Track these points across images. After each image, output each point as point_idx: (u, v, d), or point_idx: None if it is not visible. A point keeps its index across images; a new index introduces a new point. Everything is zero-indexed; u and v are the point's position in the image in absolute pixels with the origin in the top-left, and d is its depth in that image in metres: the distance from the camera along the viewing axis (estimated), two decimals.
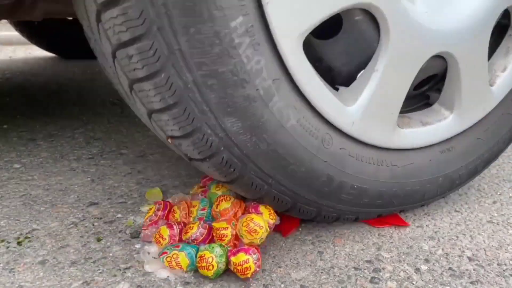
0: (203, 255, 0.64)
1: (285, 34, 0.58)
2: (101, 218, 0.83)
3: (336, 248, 0.74)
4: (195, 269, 0.66)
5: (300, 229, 0.80)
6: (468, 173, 0.89)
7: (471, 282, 0.66)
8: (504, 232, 0.81)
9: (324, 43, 0.71)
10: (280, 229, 0.78)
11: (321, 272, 0.67)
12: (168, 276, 0.65)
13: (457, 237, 0.79)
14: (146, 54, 0.53)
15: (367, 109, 0.70)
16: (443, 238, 0.78)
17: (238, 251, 0.64)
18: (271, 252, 0.73)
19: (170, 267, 0.65)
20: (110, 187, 0.97)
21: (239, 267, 0.63)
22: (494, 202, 0.93)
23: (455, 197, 0.95)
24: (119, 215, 0.84)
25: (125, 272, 0.66)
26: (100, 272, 0.66)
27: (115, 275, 0.66)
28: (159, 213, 0.76)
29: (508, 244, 0.76)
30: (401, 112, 0.78)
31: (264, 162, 0.63)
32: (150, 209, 0.79)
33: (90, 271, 0.66)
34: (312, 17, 0.59)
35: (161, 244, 0.69)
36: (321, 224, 0.82)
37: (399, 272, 0.68)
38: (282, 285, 0.64)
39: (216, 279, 0.65)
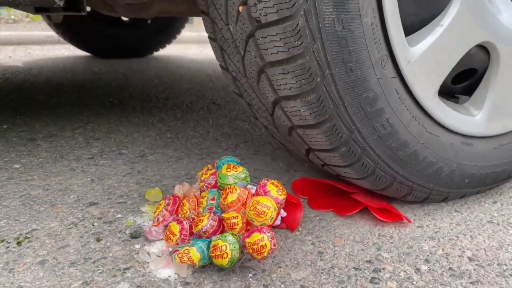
0: (216, 244, 0.64)
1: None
2: (101, 218, 0.83)
3: (336, 248, 0.74)
4: (207, 263, 0.66)
5: (300, 230, 0.80)
6: None
7: (471, 282, 0.65)
8: (504, 232, 0.81)
9: None
10: (287, 226, 0.79)
11: (321, 272, 0.67)
12: (168, 276, 0.65)
13: (457, 237, 0.79)
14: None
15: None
16: (443, 238, 0.78)
17: (252, 232, 0.64)
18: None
19: (182, 263, 0.65)
20: (110, 187, 0.97)
21: (254, 247, 0.63)
22: (494, 202, 0.93)
23: None
24: (119, 215, 0.84)
25: (125, 272, 0.66)
26: (100, 272, 0.66)
27: (115, 275, 0.66)
28: (169, 208, 0.77)
29: (508, 244, 0.76)
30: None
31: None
32: (160, 204, 0.79)
33: (89, 271, 0.66)
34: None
35: (172, 241, 0.70)
36: (321, 224, 0.82)
37: (399, 272, 0.68)
38: (282, 285, 0.64)
39: (216, 279, 0.65)
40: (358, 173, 0.78)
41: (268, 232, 0.64)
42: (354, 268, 0.69)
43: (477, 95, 0.88)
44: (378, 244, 0.76)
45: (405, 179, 0.80)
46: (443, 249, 0.75)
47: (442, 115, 0.81)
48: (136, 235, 0.76)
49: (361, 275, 0.67)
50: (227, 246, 0.64)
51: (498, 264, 0.70)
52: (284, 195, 0.72)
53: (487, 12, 0.78)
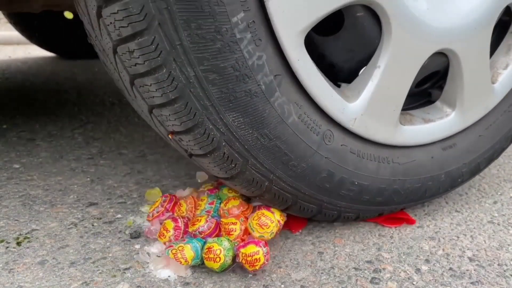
0: (211, 246, 0.64)
1: (287, 30, 0.58)
2: (100, 218, 0.83)
3: (336, 248, 0.74)
4: (199, 263, 0.66)
5: (300, 230, 0.80)
6: (471, 171, 0.88)
7: (471, 283, 0.65)
8: (504, 233, 0.80)
9: (326, 39, 0.71)
10: (288, 227, 0.79)
11: (321, 273, 0.67)
12: (168, 276, 0.65)
13: (458, 237, 0.79)
14: (147, 49, 0.53)
15: (369, 106, 0.70)
16: (443, 238, 0.78)
17: (248, 243, 0.65)
18: (271, 253, 0.72)
19: (176, 259, 0.65)
20: (110, 187, 0.97)
21: (248, 258, 0.63)
22: (495, 202, 0.93)
23: (456, 197, 0.95)
24: (118, 215, 0.84)
25: (124, 272, 0.66)
26: (100, 273, 0.66)
27: (114, 276, 0.65)
28: (165, 204, 0.77)
29: (508, 245, 0.76)
30: (403, 109, 0.78)
31: (265, 158, 0.63)
32: (157, 201, 0.79)
33: (89, 272, 0.66)
34: (314, 13, 0.59)
35: (165, 237, 0.70)
36: (321, 224, 0.82)
37: (400, 272, 0.68)
38: (282, 286, 0.64)
39: (216, 279, 0.65)
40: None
41: (264, 247, 0.64)
42: (354, 268, 0.68)
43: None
44: (379, 244, 0.76)
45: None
46: (443, 249, 0.74)
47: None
48: (136, 235, 0.76)
49: (361, 275, 0.67)
50: (222, 250, 0.64)
51: (498, 264, 0.70)
52: (284, 219, 0.72)
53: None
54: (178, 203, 0.77)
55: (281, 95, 0.61)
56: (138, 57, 0.54)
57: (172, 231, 0.70)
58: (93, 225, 0.80)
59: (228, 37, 0.54)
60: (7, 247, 0.72)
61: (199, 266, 0.67)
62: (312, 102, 0.65)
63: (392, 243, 0.76)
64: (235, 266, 0.67)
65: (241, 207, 0.72)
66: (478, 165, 0.89)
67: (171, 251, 0.65)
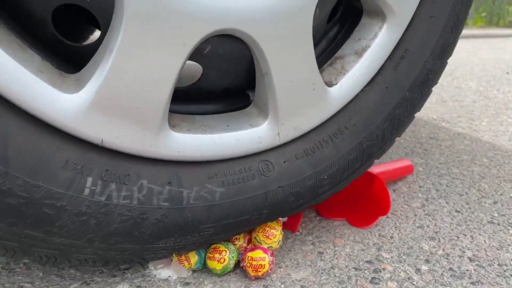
0: (217, 247, 0.65)
1: None
2: None
3: (336, 248, 0.74)
4: (200, 268, 0.66)
5: (300, 230, 0.80)
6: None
7: (471, 283, 0.65)
8: (504, 233, 0.80)
9: None
10: (289, 227, 0.79)
11: (321, 273, 0.67)
12: (168, 277, 0.65)
13: (458, 237, 0.79)
14: None
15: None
16: (443, 238, 0.78)
17: (256, 248, 0.65)
18: None
19: (180, 262, 0.65)
20: None
21: (254, 262, 0.63)
22: (495, 203, 0.93)
23: (456, 197, 0.95)
24: None
25: (124, 272, 0.66)
26: (100, 273, 0.66)
27: (114, 276, 0.66)
28: None
29: (508, 245, 0.76)
30: (330, 54, 0.69)
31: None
32: None
33: (90, 272, 0.66)
34: None
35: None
36: (321, 224, 0.82)
37: (400, 272, 0.68)
38: (282, 286, 0.64)
39: (216, 279, 0.65)
40: None
41: (271, 256, 0.65)
42: (354, 268, 0.69)
43: None
44: (379, 244, 0.76)
45: None
46: (443, 249, 0.74)
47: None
48: None
49: (361, 275, 0.67)
50: (227, 252, 0.64)
51: (498, 265, 0.70)
52: (281, 224, 0.73)
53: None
54: None
55: (190, 189, 0.58)
56: None
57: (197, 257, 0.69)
58: None
59: (96, 209, 0.51)
60: None
61: (193, 268, 0.67)
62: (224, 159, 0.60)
63: (392, 243, 0.76)
64: (235, 268, 0.67)
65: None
66: (443, 47, 0.73)
67: (175, 254, 0.66)
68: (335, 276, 0.67)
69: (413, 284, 0.65)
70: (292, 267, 0.69)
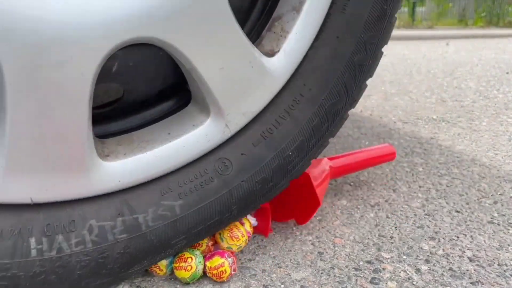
0: (182, 255, 0.63)
1: None
2: None
3: (336, 248, 0.74)
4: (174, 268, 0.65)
5: (300, 230, 0.80)
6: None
7: (471, 283, 0.65)
8: (504, 233, 0.80)
9: None
10: (259, 231, 0.77)
11: (321, 273, 0.67)
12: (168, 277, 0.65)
13: (458, 237, 0.79)
14: None
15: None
16: (443, 238, 0.78)
17: (213, 255, 0.64)
18: (271, 253, 0.72)
19: (150, 270, 0.65)
20: None
21: (214, 271, 0.63)
22: (495, 202, 0.93)
23: (456, 197, 0.95)
24: None
25: None
26: None
27: None
28: None
29: (508, 245, 0.76)
30: (267, 17, 0.61)
31: None
32: None
33: None
34: None
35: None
36: (321, 224, 0.82)
37: (400, 272, 0.68)
38: (282, 286, 0.64)
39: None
40: None
41: (230, 257, 0.64)
42: (354, 268, 0.68)
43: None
44: (378, 244, 0.76)
45: None
46: (443, 249, 0.74)
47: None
48: None
49: (361, 276, 0.67)
50: (193, 258, 0.63)
51: (498, 265, 0.70)
52: (252, 231, 0.73)
53: None
54: None
55: (145, 213, 0.55)
56: None
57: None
58: None
59: (50, 265, 0.49)
60: None
61: (168, 273, 0.66)
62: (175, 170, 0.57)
63: (392, 243, 0.76)
64: (195, 282, 0.65)
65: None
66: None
67: None
68: (335, 276, 0.66)
69: (413, 284, 0.65)
70: (292, 267, 0.69)
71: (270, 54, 0.60)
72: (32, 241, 0.49)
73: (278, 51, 0.60)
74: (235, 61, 0.56)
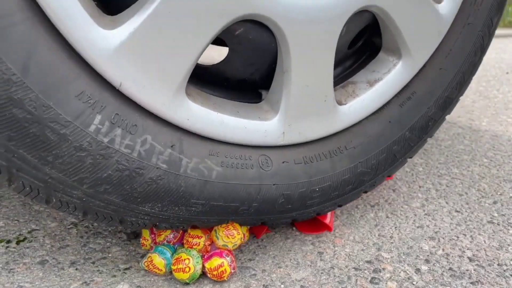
0: (179, 257, 0.63)
1: (161, 99, 0.56)
2: None
3: (336, 248, 0.74)
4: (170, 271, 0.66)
5: (262, 235, 0.80)
6: (440, 108, 0.79)
7: (471, 283, 0.65)
8: (504, 233, 0.80)
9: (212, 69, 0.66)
10: (253, 232, 0.78)
11: (321, 273, 0.67)
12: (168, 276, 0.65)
13: (458, 237, 0.79)
14: None
15: (295, 111, 0.65)
16: (443, 238, 0.78)
17: (211, 256, 0.64)
18: (271, 253, 0.73)
19: (150, 271, 0.65)
20: None
21: (214, 272, 0.63)
22: (495, 202, 0.93)
23: (456, 197, 0.95)
24: None
25: (124, 272, 0.66)
26: (100, 273, 0.66)
27: (114, 276, 0.66)
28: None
29: (508, 245, 0.76)
30: (344, 80, 0.74)
31: (210, 219, 0.64)
32: None
33: (89, 272, 0.66)
34: (183, 68, 0.56)
35: (146, 246, 0.70)
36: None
37: (400, 272, 0.68)
38: (282, 286, 0.64)
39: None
40: None
41: (228, 256, 0.64)
42: (354, 268, 0.69)
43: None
44: (378, 244, 0.76)
45: None
46: (443, 249, 0.74)
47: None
48: (136, 235, 0.76)
49: (361, 275, 0.67)
50: (191, 260, 0.63)
51: (498, 264, 0.70)
52: (248, 236, 0.73)
53: None
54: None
55: (190, 159, 0.58)
56: None
57: (150, 239, 0.70)
58: (93, 225, 0.80)
59: (96, 148, 0.51)
60: (7, 247, 0.73)
61: (167, 272, 0.66)
62: (227, 141, 0.62)
63: (392, 243, 0.76)
64: (194, 283, 0.66)
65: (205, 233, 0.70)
66: (446, 100, 0.79)
67: (144, 263, 0.66)
68: (335, 276, 0.66)
69: (413, 284, 0.65)
70: (292, 267, 0.69)
71: (338, 103, 0.70)
72: (98, 118, 0.51)
73: (345, 104, 0.71)
74: (318, 87, 0.66)
